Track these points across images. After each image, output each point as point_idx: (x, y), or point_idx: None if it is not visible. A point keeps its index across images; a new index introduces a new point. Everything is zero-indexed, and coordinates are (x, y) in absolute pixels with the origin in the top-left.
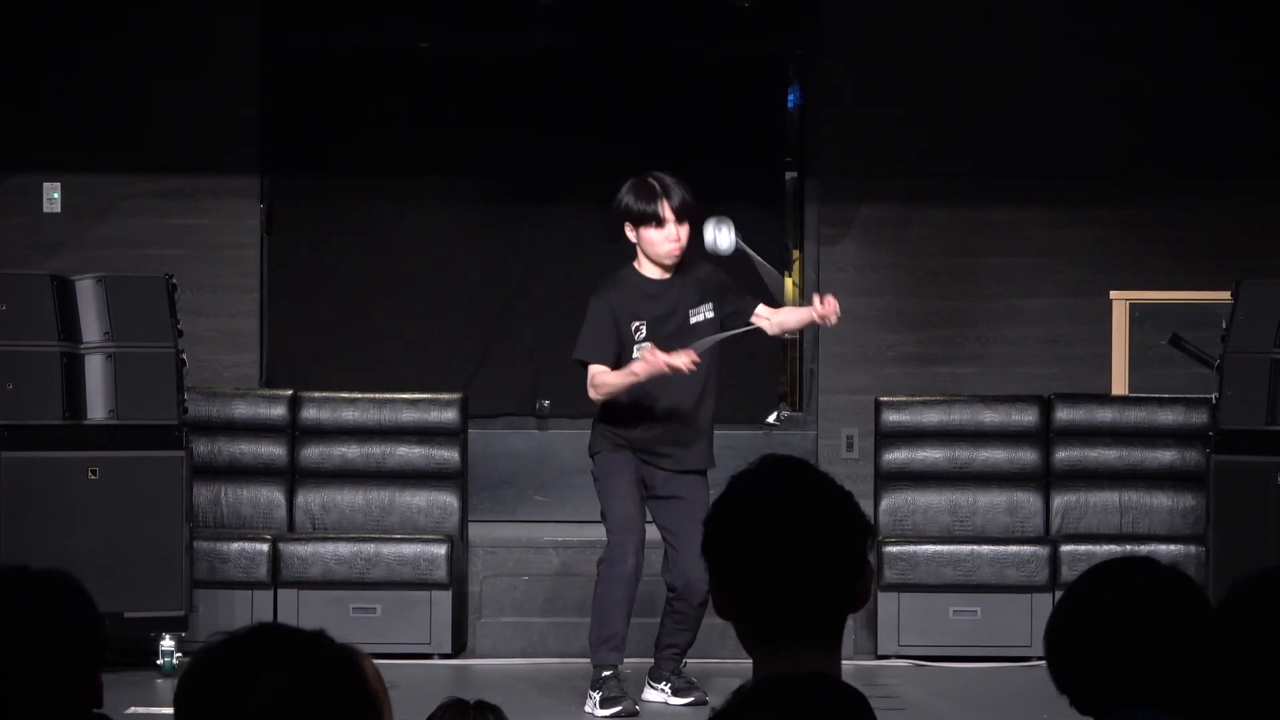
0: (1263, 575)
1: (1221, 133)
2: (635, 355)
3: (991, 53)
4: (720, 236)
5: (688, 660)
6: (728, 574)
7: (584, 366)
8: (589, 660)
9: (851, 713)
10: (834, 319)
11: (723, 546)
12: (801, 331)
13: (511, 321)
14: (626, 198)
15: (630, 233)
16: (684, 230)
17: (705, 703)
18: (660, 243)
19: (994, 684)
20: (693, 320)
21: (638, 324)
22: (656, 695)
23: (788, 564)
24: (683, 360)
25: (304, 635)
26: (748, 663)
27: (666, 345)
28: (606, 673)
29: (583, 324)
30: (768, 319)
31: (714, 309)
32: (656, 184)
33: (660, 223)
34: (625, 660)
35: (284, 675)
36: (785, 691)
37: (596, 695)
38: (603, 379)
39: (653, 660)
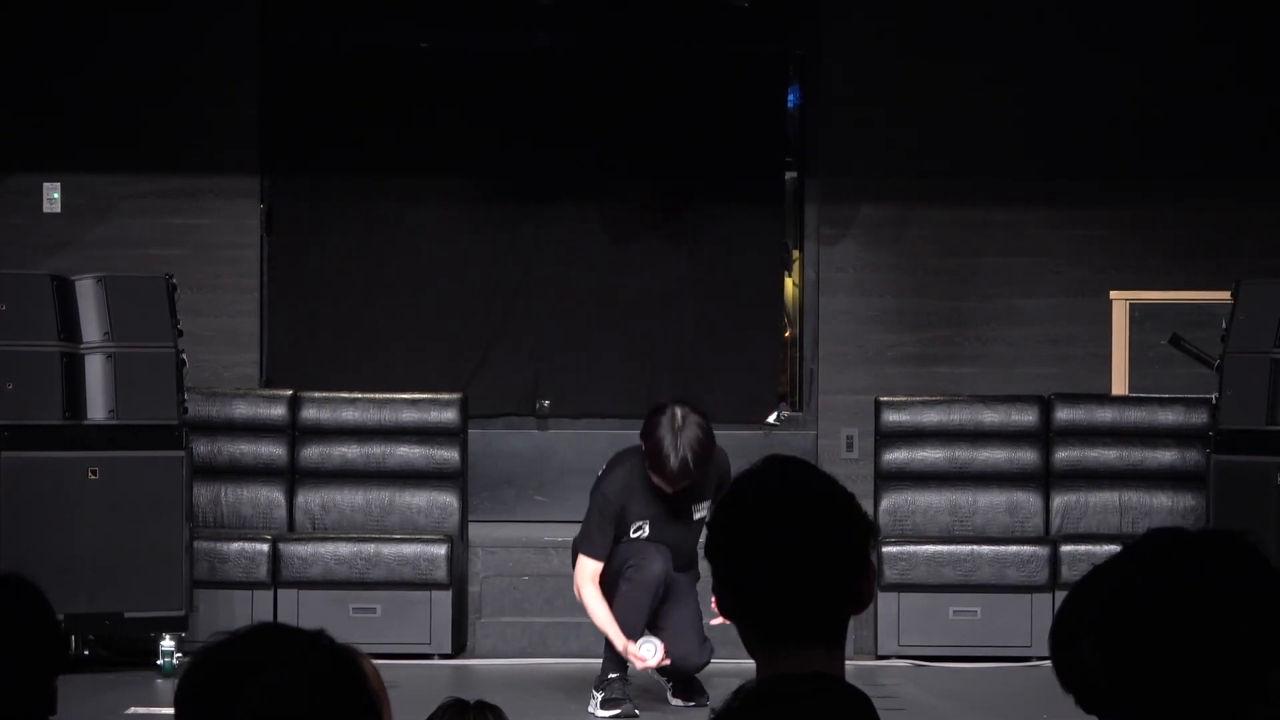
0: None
1: (1221, 133)
2: (632, 535)
3: (991, 53)
4: (644, 650)
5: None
6: (731, 574)
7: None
8: (592, 660)
9: (854, 713)
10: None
11: (726, 546)
12: (801, 331)
13: (511, 322)
14: (645, 428)
15: (644, 451)
16: (683, 485)
17: (705, 704)
18: (661, 485)
19: (994, 684)
20: (695, 516)
21: (639, 523)
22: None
23: (791, 565)
24: (643, 661)
25: (304, 635)
26: (748, 663)
27: (662, 536)
28: (613, 675)
29: (588, 512)
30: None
31: (713, 505)
32: (670, 451)
33: (662, 478)
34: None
35: (284, 675)
36: (788, 692)
37: (599, 695)
38: (586, 598)
39: None
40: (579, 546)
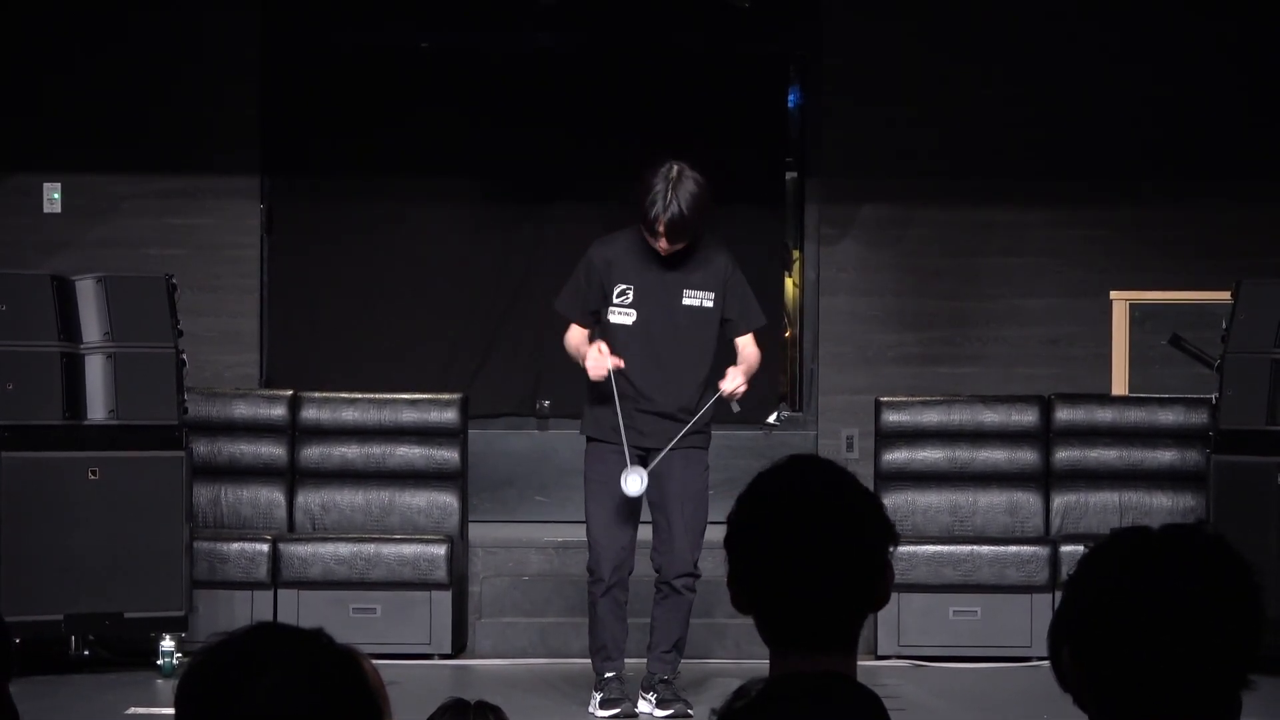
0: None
1: (1221, 133)
2: (613, 318)
3: (991, 53)
4: (629, 483)
5: (682, 664)
6: (748, 571)
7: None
8: (590, 662)
9: (865, 713)
10: (734, 395)
11: (744, 544)
12: (801, 331)
13: (512, 322)
14: (642, 185)
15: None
16: (677, 245)
17: (689, 715)
18: (651, 240)
19: (994, 684)
20: (685, 301)
21: (624, 287)
22: (644, 706)
23: (809, 564)
24: (598, 368)
25: (303, 634)
26: (748, 663)
27: (650, 318)
28: (609, 674)
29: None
30: (724, 383)
31: (713, 300)
32: (660, 196)
33: (652, 233)
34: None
35: (284, 676)
36: (799, 691)
37: (598, 696)
38: (568, 340)
39: (646, 667)
40: (558, 306)
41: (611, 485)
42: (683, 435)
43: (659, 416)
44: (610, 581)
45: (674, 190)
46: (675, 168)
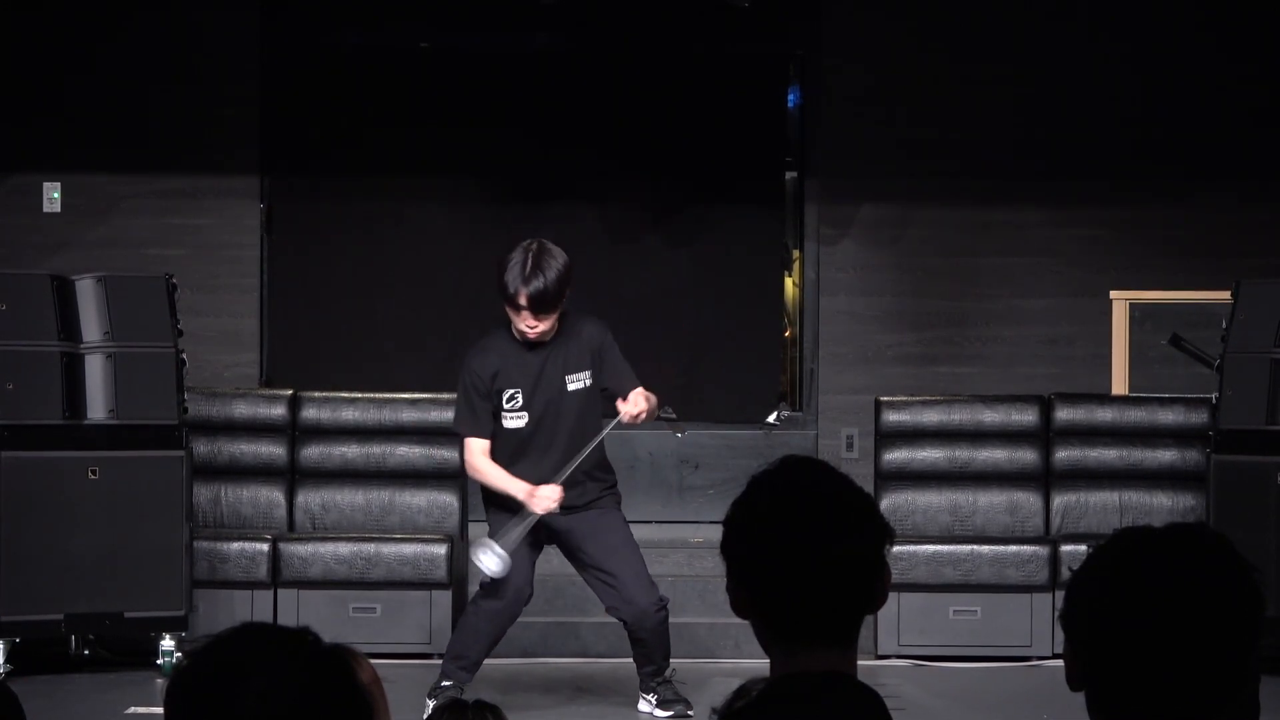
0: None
1: (1221, 133)
2: (507, 424)
3: (991, 53)
4: (486, 562)
5: (675, 664)
6: (746, 573)
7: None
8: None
9: (867, 712)
10: (636, 418)
11: (742, 546)
12: (801, 331)
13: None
14: (499, 264)
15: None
16: (543, 321)
17: (690, 716)
18: (516, 323)
19: (994, 684)
20: (570, 387)
21: (512, 391)
22: (645, 706)
23: (807, 565)
24: (543, 504)
25: (291, 634)
26: (748, 663)
27: (543, 414)
28: (446, 683)
29: (458, 393)
30: (623, 405)
31: (591, 376)
32: (518, 266)
33: (515, 307)
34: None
35: (273, 678)
36: (800, 691)
37: (431, 703)
38: (480, 469)
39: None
40: (457, 428)
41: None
42: (584, 472)
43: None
44: (510, 602)
45: (534, 261)
46: (535, 243)
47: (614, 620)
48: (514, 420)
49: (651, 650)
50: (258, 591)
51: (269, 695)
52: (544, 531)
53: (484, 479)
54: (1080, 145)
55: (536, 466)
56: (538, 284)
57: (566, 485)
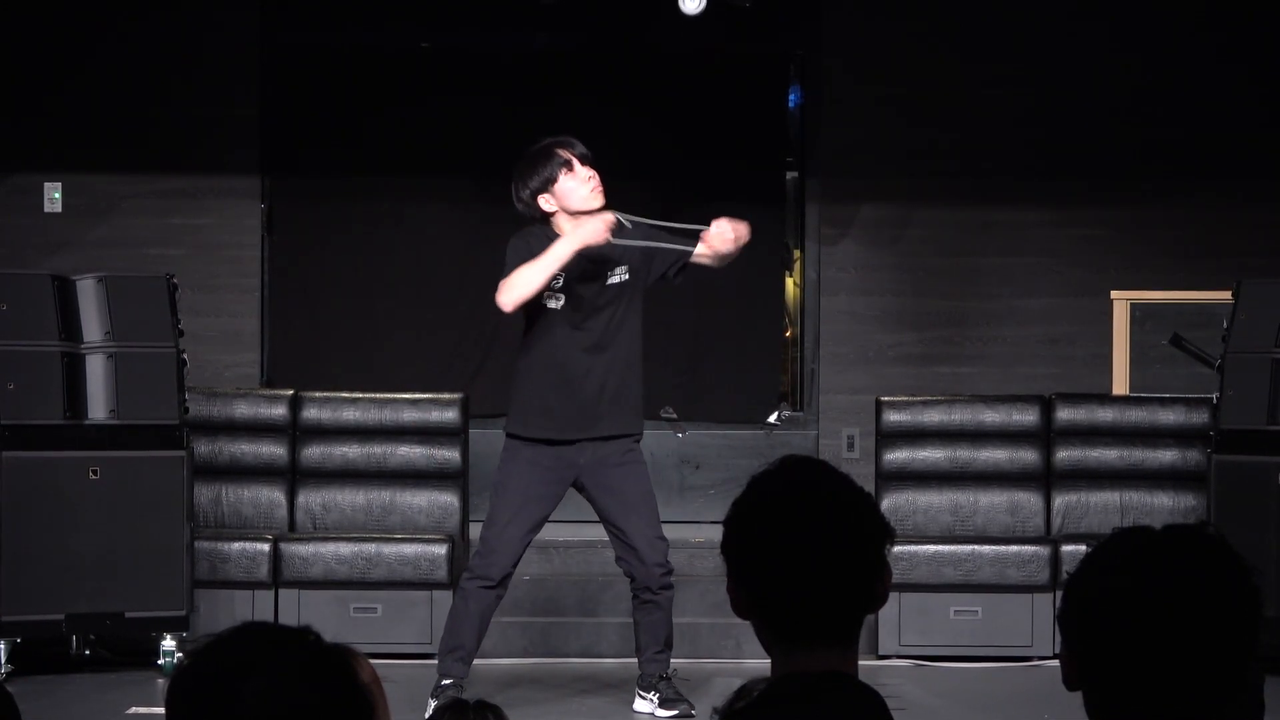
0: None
1: (1221, 133)
2: (550, 305)
3: (991, 53)
4: None
5: (676, 664)
6: (746, 573)
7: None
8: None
9: (868, 712)
10: (729, 241)
11: (742, 546)
12: (802, 331)
13: (512, 321)
14: (528, 173)
15: (546, 204)
16: (596, 174)
17: (691, 716)
18: (579, 186)
19: (994, 684)
20: (611, 279)
21: (555, 273)
22: (645, 705)
23: (807, 565)
24: (598, 227)
25: (291, 634)
26: (748, 663)
27: (583, 309)
28: (446, 681)
29: (505, 263)
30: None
31: (630, 271)
32: (549, 143)
33: (570, 166)
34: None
35: (274, 677)
36: (802, 691)
37: (433, 703)
38: (520, 269)
39: (639, 669)
40: (506, 276)
41: (533, 474)
42: (614, 401)
43: (583, 406)
44: (497, 585)
45: (552, 140)
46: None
47: (614, 620)
48: (552, 301)
49: (658, 623)
50: (259, 591)
51: (270, 695)
52: (568, 470)
53: (527, 272)
54: (1080, 145)
55: (570, 357)
56: (570, 139)
57: (597, 412)
